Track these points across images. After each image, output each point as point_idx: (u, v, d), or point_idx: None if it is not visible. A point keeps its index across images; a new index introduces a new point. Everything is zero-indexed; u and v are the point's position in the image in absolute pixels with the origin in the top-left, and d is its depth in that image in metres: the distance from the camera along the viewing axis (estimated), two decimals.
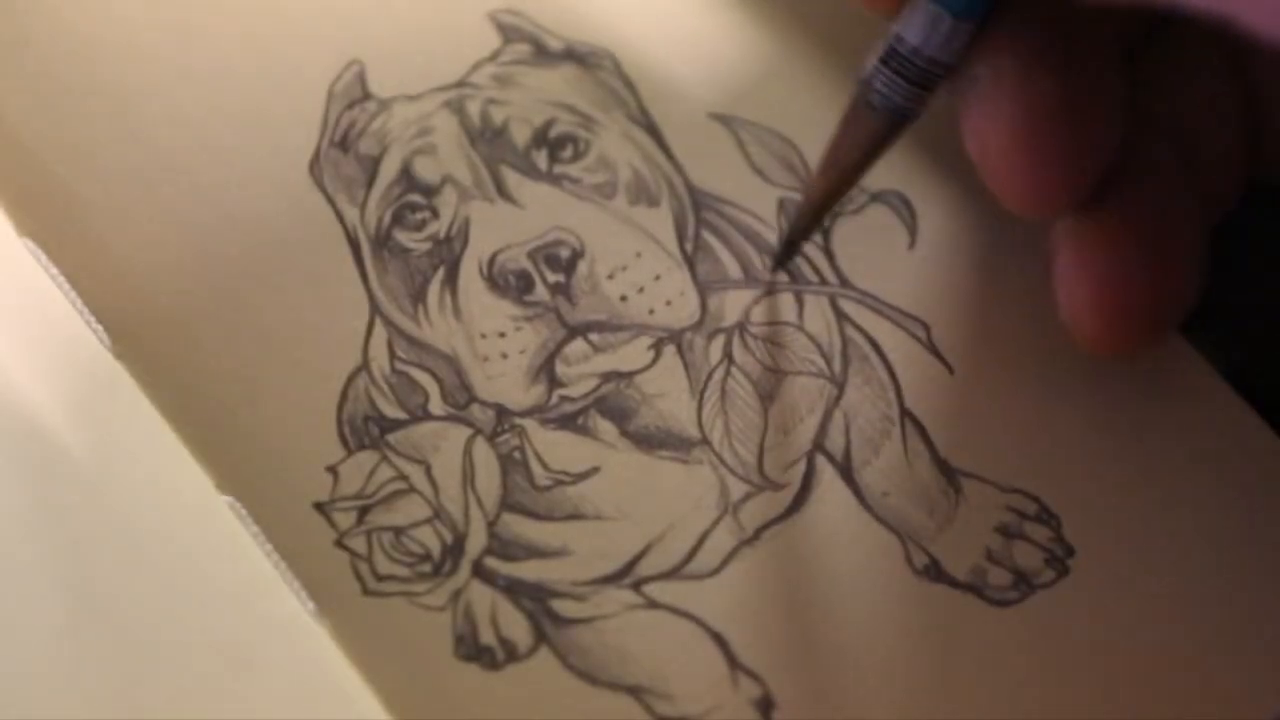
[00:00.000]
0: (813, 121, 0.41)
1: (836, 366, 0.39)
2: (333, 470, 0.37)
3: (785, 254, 0.39)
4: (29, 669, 0.36)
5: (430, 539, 0.37)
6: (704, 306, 0.39)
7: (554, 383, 0.38)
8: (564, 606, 0.36)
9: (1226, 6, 0.28)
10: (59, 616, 0.36)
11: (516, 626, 0.36)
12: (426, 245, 0.39)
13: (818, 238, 0.40)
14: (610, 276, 0.39)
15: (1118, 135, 0.37)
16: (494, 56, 0.41)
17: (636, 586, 0.37)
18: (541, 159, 0.40)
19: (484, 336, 0.38)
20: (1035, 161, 0.36)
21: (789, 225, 0.39)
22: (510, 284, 0.39)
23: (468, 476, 0.37)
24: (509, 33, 0.41)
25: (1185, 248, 0.38)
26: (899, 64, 0.36)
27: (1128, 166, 0.37)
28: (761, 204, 0.40)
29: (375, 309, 0.39)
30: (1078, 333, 0.37)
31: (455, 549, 0.37)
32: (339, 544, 0.37)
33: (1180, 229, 0.38)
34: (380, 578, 0.37)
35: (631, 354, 0.38)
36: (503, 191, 0.40)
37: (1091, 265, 0.37)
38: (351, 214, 0.39)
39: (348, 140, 0.40)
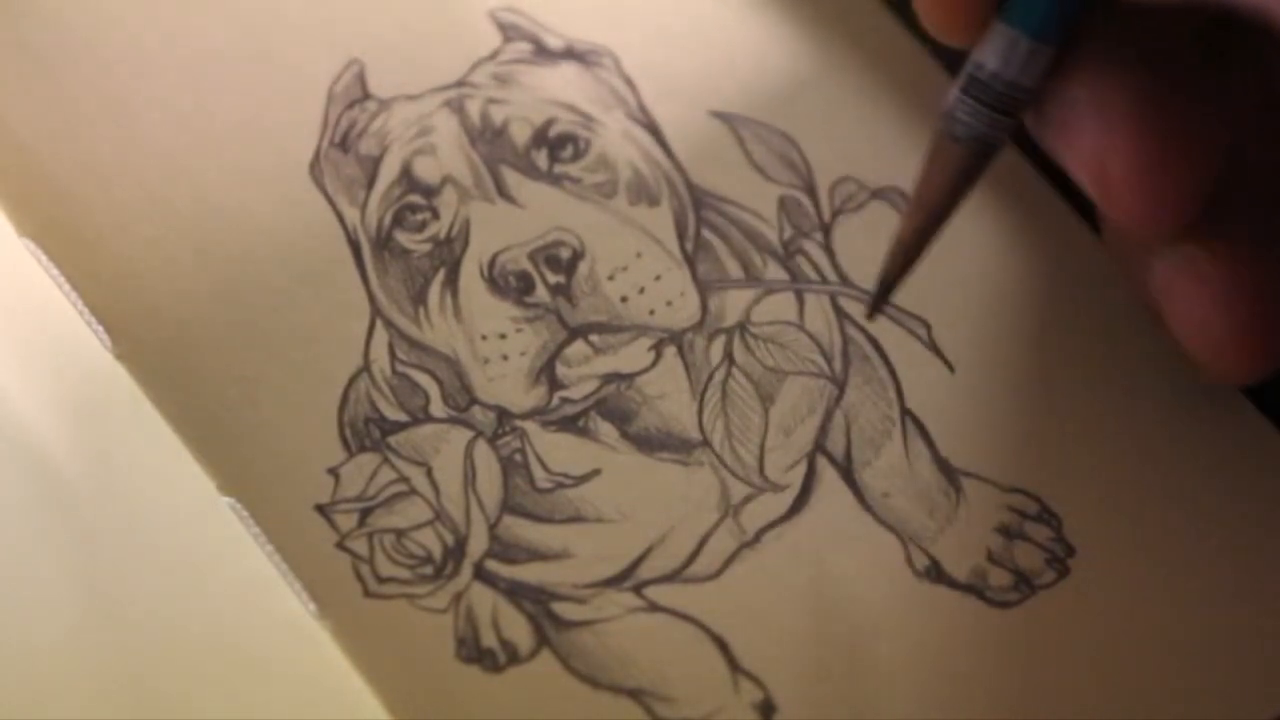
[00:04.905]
0: (813, 118, 0.41)
1: (837, 366, 0.39)
2: (334, 472, 0.37)
3: (879, 300, 0.37)
4: (31, 669, 0.36)
5: (431, 541, 0.37)
6: (704, 306, 0.39)
7: (555, 384, 0.38)
8: (565, 609, 0.36)
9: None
10: (60, 617, 0.36)
11: (518, 629, 0.36)
12: (427, 246, 0.39)
13: (818, 235, 0.40)
14: (611, 277, 0.39)
15: (1225, 141, 0.35)
16: (494, 55, 0.41)
17: (638, 589, 0.37)
18: (541, 159, 0.40)
19: (484, 338, 0.38)
20: (1162, 179, 0.34)
21: (882, 269, 0.37)
22: (511, 285, 0.39)
23: (469, 479, 0.37)
24: (509, 31, 0.41)
25: None
26: (980, 91, 0.35)
27: (1230, 185, 0.36)
28: (762, 202, 0.40)
29: (376, 310, 0.39)
30: (1215, 367, 0.36)
31: (456, 551, 0.37)
32: (340, 546, 0.37)
33: None
34: (382, 580, 0.37)
35: (632, 355, 0.38)
36: (503, 192, 0.40)
37: (1224, 295, 0.36)
38: (352, 215, 0.39)
39: (348, 141, 0.40)
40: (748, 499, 0.37)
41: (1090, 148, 0.35)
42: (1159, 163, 0.34)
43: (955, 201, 0.36)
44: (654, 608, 0.37)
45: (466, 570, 0.37)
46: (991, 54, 0.35)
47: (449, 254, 0.39)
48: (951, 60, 0.41)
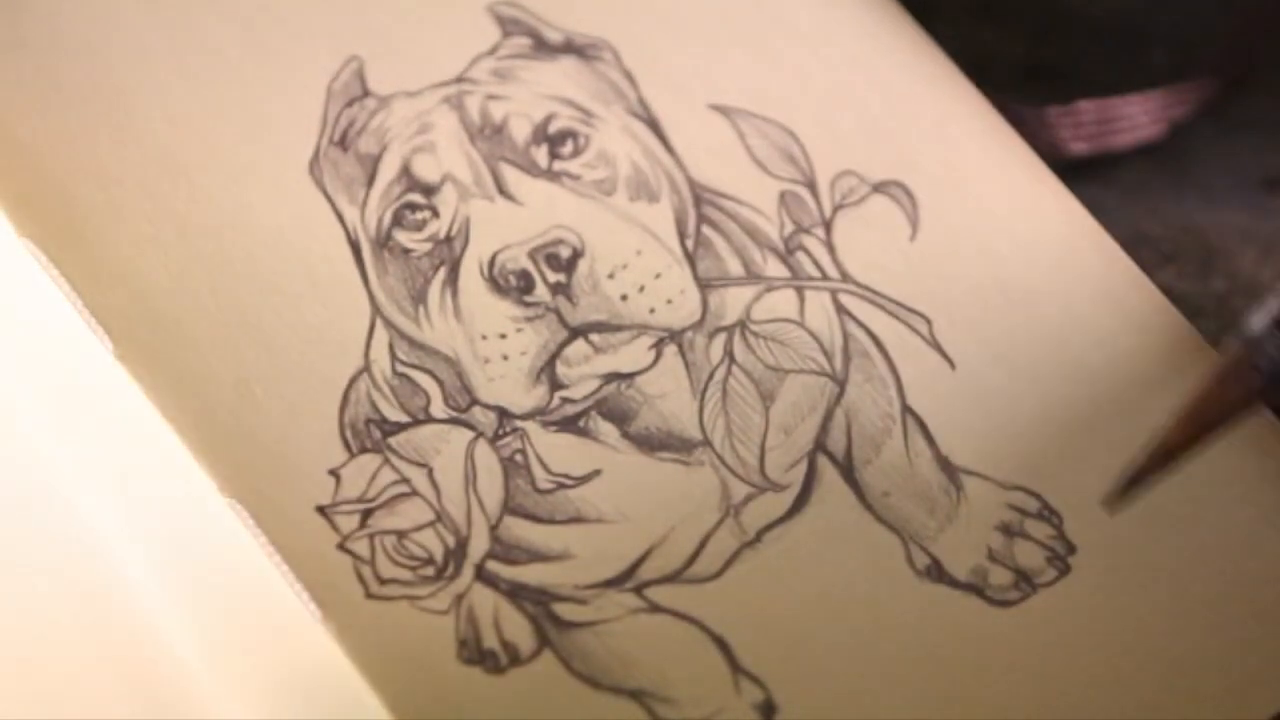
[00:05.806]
0: (814, 112, 0.41)
1: (838, 363, 0.39)
2: (335, 473, 0.37)
3: (1124, 493, 0.36)
4: (31, 669, 0.36)
5: (433, 542, 0.37)
6: (705, 304, 0.39)
7: (555, 384, 0.38)
8: (566, 610, 0.37)
9: None
10: (61, 617, 0.36)
11: (519, 630, 0.36)
12: (427, 245, 0.39)
13: (819, 231, 0.40)
14: (611, 275, 0.39)
15: None
16: (493, 50, 0.41)
17: (639, 590, 0.37)
18: (541, 155, 0.40)
19: (485, 338, 0.38)
20: None
21: (1139, 464, 0.35)
22: (511, 284, 0.39)
23: (470, 479, 0.37)
24: (508, 26, 0.41)
25: None
26: None
27: None
28: (762, 198, 0.40)
29: (376, 310, 0.39)
30: None
31: (458, 552, 0.37)
32: (341, 547, 0.37)
33: None
34: (383, 581, 0.37)
35: (632, 354, 0.38)
36: (503, 189, 0.39)
37: None
38: (351, 214, 0.39)
39: (347, 138, 0.40)
40: (748, 498, 0.37)
41: None
42: None
43: (1233, 422, 0.34)
44: (655, 608, 0.37)
45: (468, 571, 0.37)
46: None
47: (449, 253, 0.39)
48: (950, 45, 0.41)
